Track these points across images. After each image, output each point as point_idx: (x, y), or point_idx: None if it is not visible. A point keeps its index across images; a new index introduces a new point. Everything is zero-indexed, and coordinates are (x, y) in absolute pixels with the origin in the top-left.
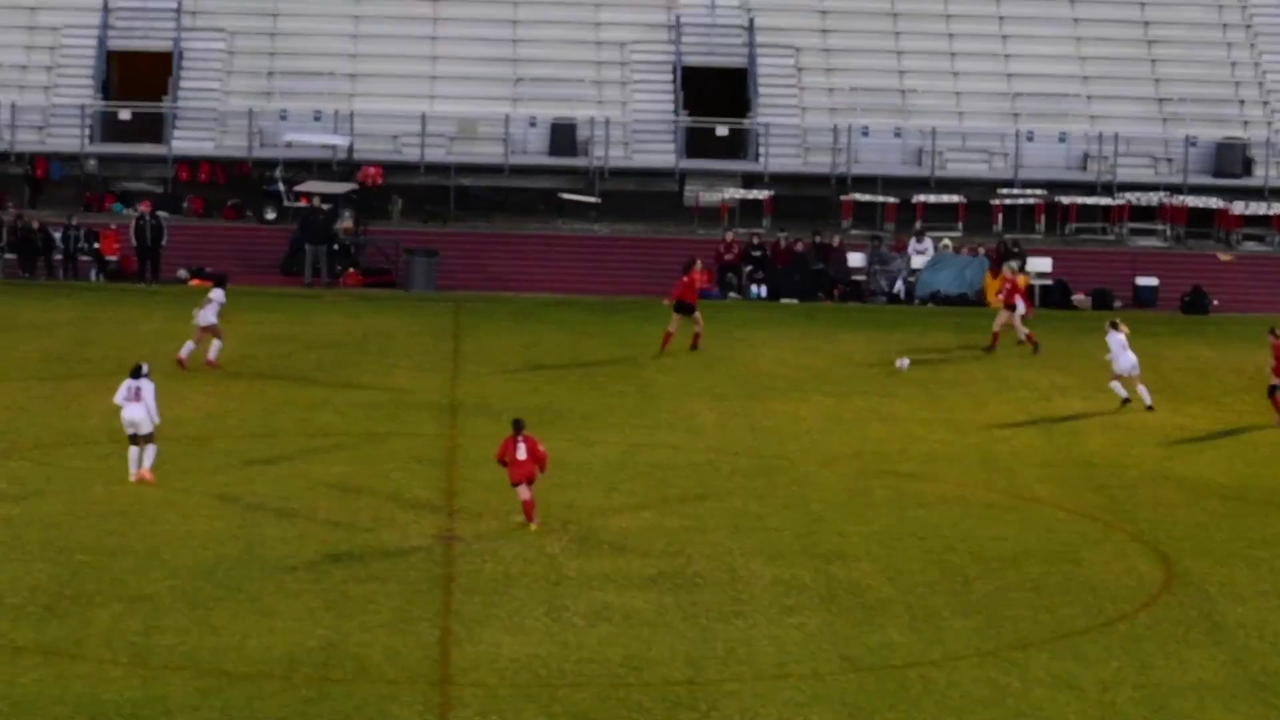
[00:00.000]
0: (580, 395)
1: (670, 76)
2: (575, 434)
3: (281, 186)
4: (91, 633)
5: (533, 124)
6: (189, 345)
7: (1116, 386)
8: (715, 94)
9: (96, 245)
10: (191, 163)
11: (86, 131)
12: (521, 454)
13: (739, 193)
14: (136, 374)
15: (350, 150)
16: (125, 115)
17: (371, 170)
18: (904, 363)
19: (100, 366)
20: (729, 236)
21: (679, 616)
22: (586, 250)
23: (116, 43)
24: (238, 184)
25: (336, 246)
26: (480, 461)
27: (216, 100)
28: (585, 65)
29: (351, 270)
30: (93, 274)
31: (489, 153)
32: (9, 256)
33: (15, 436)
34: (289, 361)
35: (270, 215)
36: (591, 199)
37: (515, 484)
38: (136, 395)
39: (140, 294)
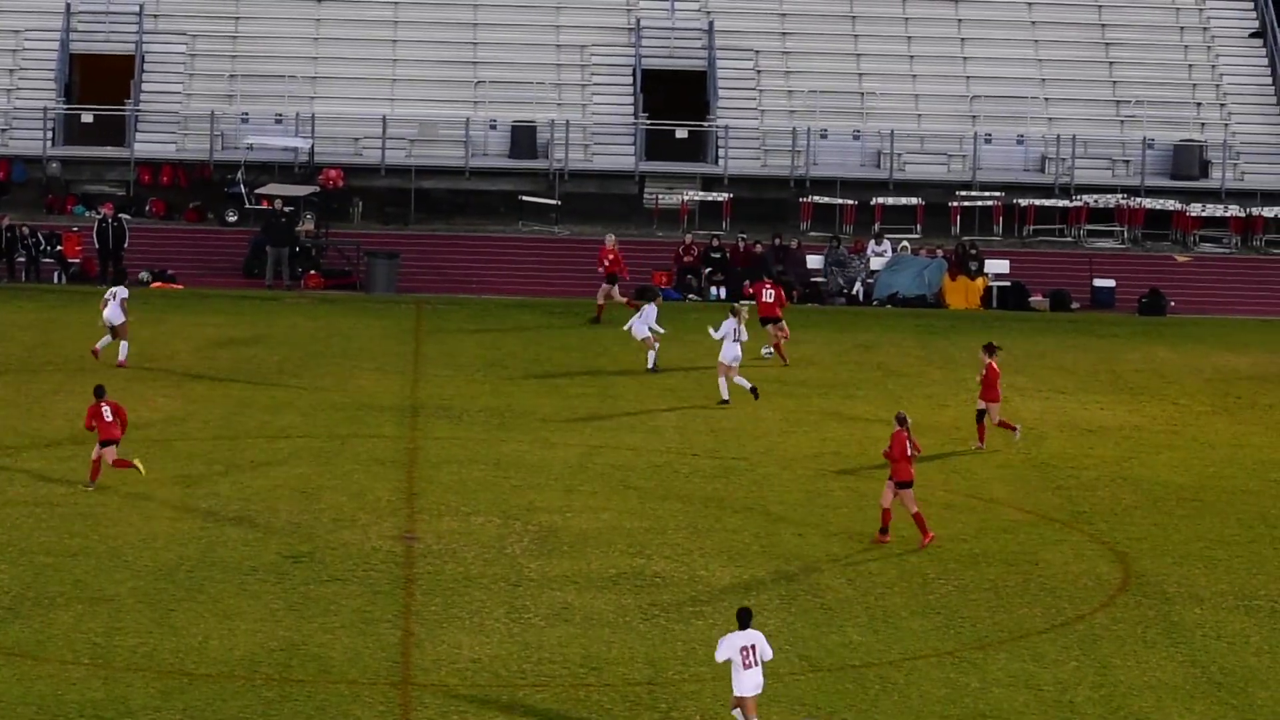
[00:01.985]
0: (540, 396)
1: (630, 79)
2: (535, 435)
3: (243, 189)
4: (53, 634)
5: (493, 126)
6: (105, 339)
7: (723, 383)
8: (675, 96)
9: (59, 248)
10: (153, 165)
11: (48, 134)
12: (108, 416)
13: (699, 195)
14: None
15: (311, 153)
16: (87, 118)
17: (332, 173)
18: (768, 351)
19: (62, 369)
20: (688, 239)
21: (639, 617)
22: (547, 252)
23: (79, 45)
24: (199, 187)
25: (298, 249)
26: (440, 463)
27: (178, 103)
28: (545, 68)
29: (313, 272)
30: (55, 276)
31: (449, 155)
32: None
33: None
34: (251, 364)
35: (231, 218)
36: (552, 201)
37: (104, 444)
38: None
39: (101, 297)
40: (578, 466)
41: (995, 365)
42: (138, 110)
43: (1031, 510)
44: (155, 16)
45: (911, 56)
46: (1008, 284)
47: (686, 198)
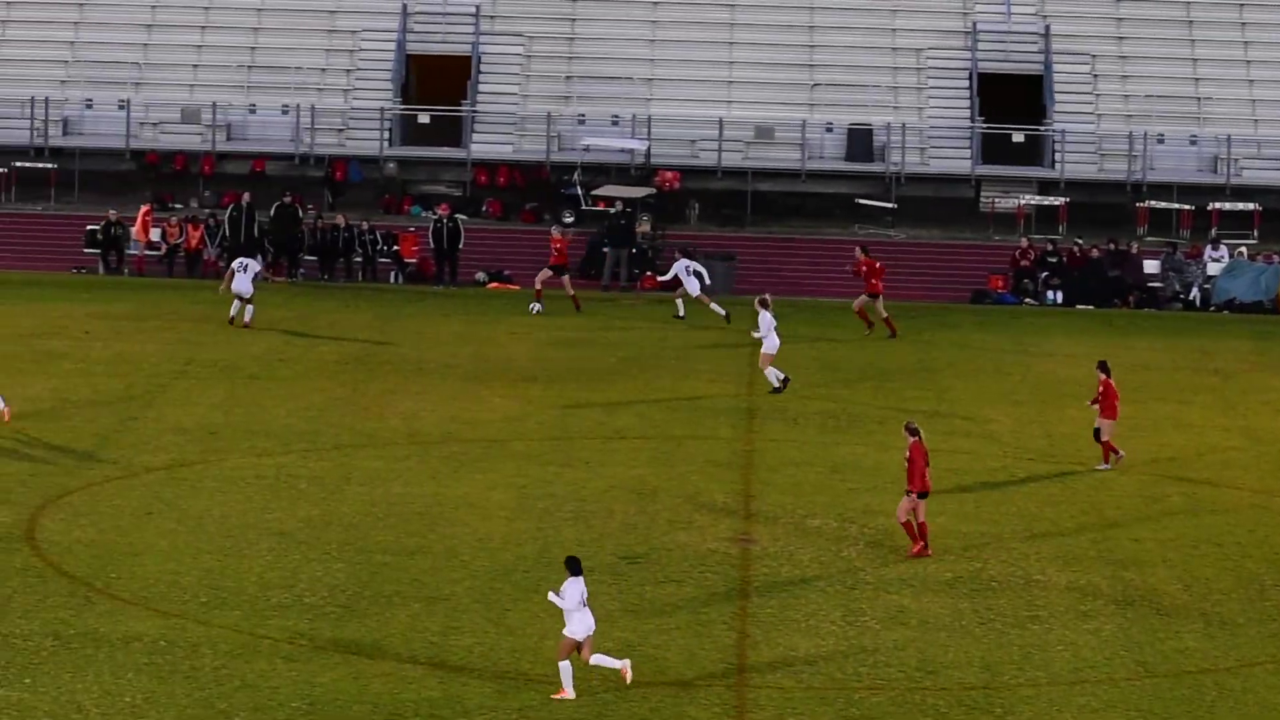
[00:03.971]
0: (876, 400)
1: (966, 83)
2: (871, 439)
3: (579, 190)
4: (390, 632)
5: (829, 129)
6: (236, 304)
7: (771, 372)
8: (1011, 100)
9: (396, 248)
10: (490, 166)
11: (385, 135)
12: None
13: (1035, 199)
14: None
15: (648, 155)
16: (424, 119)
17: (669, 175)
18: (536, 307)
19: (398, 369)
20: (1024, 242)
21: (975, 621)
22: (882, 256)
23: (415, 46)
24: (536, 188)
25: (635, 250)
26: (776, 465)
27: (514, 104)
28: (882, 71)
29: (649, 274)
30: (392, 276)
31: (785, 158)
32: (309, 259)
33: (314, 438)
34: (586, 365)
35: (568, 219)
36: (887, 204)
37: None
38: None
39: (438, 296)
40: None
41: (1112, 383)
42: (474, 111)
43: None
44: (491, 18)
45: (1248, 61)
46: None
47: (1022, 201)
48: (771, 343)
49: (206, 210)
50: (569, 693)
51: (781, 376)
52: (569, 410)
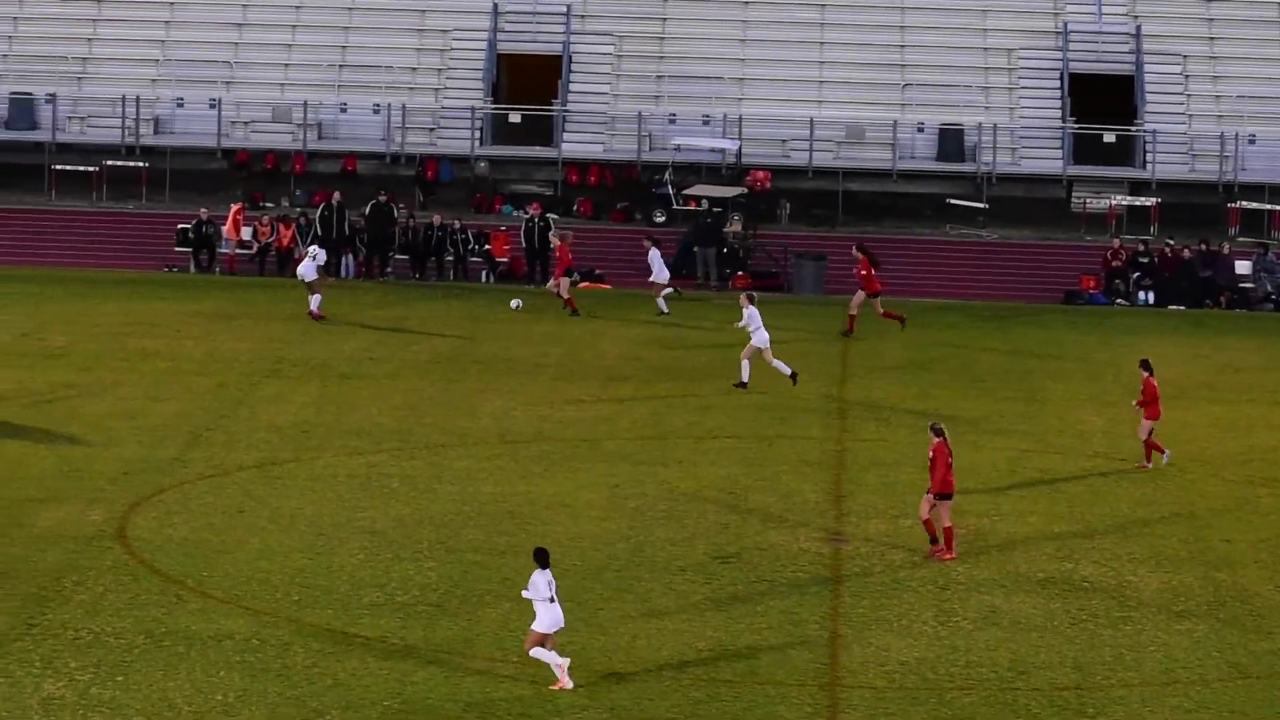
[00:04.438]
0: (968, 400)
1: (1057, 83)
2: (963, 439)
3: (670, 190)
4: (481, 632)
5: (920, 129)
6: (316, 297)
7: (780, 365)
8: (1102, 100)
9: (487, 247)
10: (581, 166)
11: (476, 134)
12: None
13: (1126, 199)
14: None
15: (739, 154)
16: (515, 118)
17: (759, 174)
18: (517, 303)
19: (490, 368)
20: (1116, 243)
21: (1066, 621)
22: (974, 255)
23: (506, 46)
24: (626, 187)
25: (725, 250)
26: (868, 465)
27: (605, 104)
28: (973, 71)
29: (740, 273)
30: (483, 275)
31: (876, 158)
32: (400, 257)
33: (406, 436)
34: (678, 364)
35: (659, 218)
36: (979, 204)
37: None
38: None
39: (529, 295)
40: (1005, 470)
41: (1154, 382)
42: (565, 110)
43: None
44: (582, 17)
45: None
46: None
47: (1114, 202)
48: (761, 336)
49: (297, 209)
50: (566, 683)
51: (788, 371)
52: (661, 409)
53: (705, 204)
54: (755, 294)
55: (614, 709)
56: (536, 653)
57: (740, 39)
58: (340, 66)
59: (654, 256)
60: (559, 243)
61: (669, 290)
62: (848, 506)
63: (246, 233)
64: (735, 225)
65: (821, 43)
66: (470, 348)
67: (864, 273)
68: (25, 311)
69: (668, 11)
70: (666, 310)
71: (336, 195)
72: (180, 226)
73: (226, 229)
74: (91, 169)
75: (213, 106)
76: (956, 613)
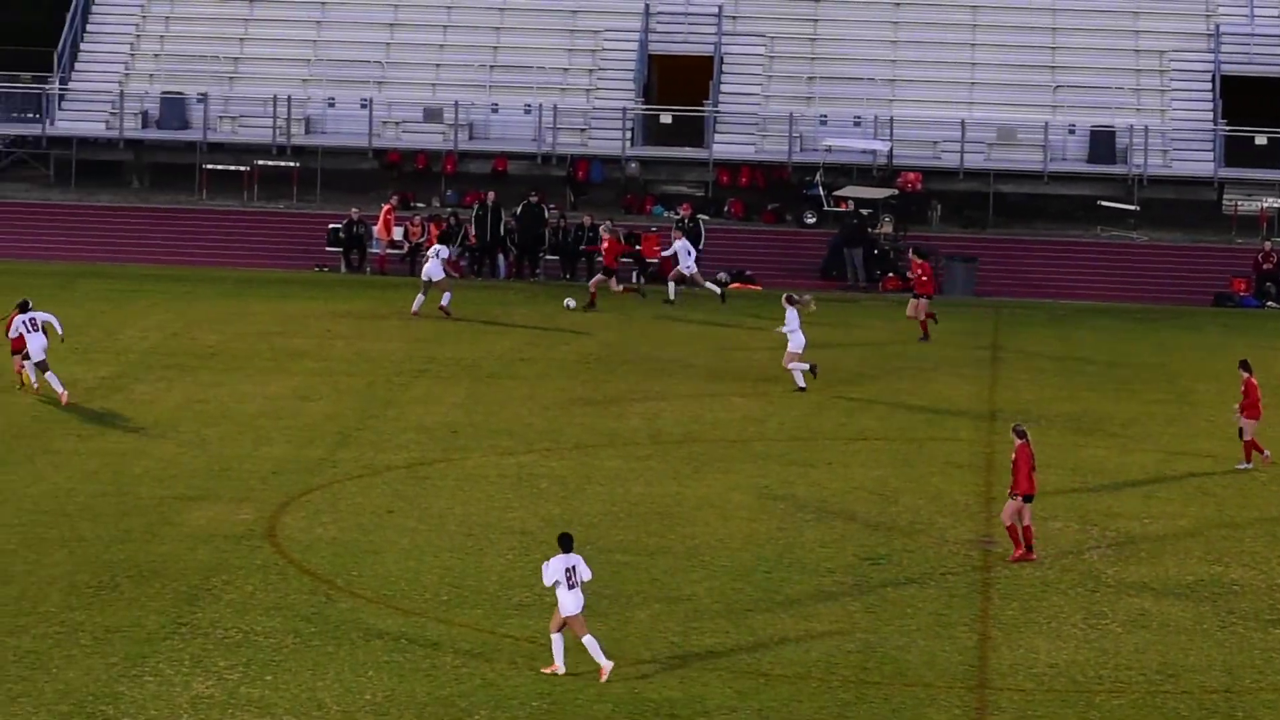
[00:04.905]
0: (1118, 402)
1: (1209, 85)
2: (1113, 440)
3: (821, 191)
4: (630, 632)
5: (1072, 131)
6: (420, 298)
7: (796, 370)
8: (1254, 103)
9: (637, 247)
10: (732, 166)
11: (627, 134)
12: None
13: (1278, 202)
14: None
15: (890, 155)
16: (666, 119)
17: (911, 176)
18: (570, 302)
19: (638, 367)
20: (1267, 246)
21: (1216, 624)
22: (1125, 258)
23: (657, 46)
24: (777, 188)
25: (875, 251)
26: None
27: (756, 105)
28: (1124, 73)
29: (891, 275)
30: (633, 276)
31: (1028, 159)
32: (550, 258)
33: (556, 437)
34: (828, 365)
35: (810, 219)
36: (1130, 207)
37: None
38: None
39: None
40: (1155, 473)
41: (1254, 381)
42: (716, 111)
43: None
44: (734, 18)
45: None
46: None
47: (1266, 205)
48: (798, 340)
49: (448, 209)
50: (559, 667)
51: (805, 366)
52: (810, 411)
53: (852, 205)
54: (795, 296)
55: (762, 710)
56: (588, 642)
57: (892, 40)
58: (491, 67)
59: (680, 246)
60: (608, 237)
61: (693, 277)
62: (997, 509)
63: (397, 233)
64: (887, 226)
65: (973, 44)
66: (619, 348)
67: (923, 277)
68: (176, 311)
69: (819, 12)
70: (673, 299)
71: (491, 195)
72: (331, 226)
73: (377, 229)
74: (243, 169)
75: (364, 106)
76: (1105, 615)
